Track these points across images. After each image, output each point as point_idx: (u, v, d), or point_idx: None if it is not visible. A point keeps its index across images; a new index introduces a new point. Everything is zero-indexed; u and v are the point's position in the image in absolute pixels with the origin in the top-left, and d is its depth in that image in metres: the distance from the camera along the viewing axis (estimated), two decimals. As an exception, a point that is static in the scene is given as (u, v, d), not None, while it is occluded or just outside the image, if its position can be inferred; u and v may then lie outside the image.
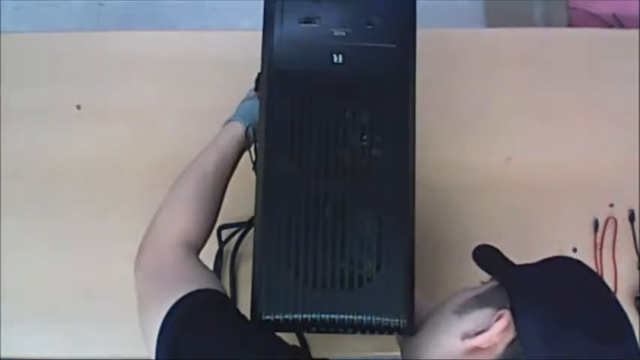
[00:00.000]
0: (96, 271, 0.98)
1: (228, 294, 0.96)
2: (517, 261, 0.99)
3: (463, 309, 0.58)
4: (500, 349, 0.51)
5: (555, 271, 0.60)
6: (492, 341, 0.52)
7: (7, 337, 0.94)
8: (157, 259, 0.67)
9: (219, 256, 0.97)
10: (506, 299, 0.54)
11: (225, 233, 0.97)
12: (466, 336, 0.54)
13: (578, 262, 0.60)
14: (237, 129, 0.80)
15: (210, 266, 0.96)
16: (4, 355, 0.93)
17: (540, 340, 0.49)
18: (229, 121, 0.83)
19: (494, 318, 0.53)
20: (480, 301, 0.57)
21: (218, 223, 0.96)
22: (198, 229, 0.71)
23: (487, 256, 0.65)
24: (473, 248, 0.67)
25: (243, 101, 0.86)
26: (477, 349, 0.53)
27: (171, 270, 0.65)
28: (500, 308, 0.54)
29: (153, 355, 0.56)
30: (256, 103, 0.78)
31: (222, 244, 0.97)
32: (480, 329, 0.54)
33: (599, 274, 0.99)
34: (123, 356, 0.91)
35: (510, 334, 0.51)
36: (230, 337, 0.57)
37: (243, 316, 0.61)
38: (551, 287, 0.55)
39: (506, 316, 0.52)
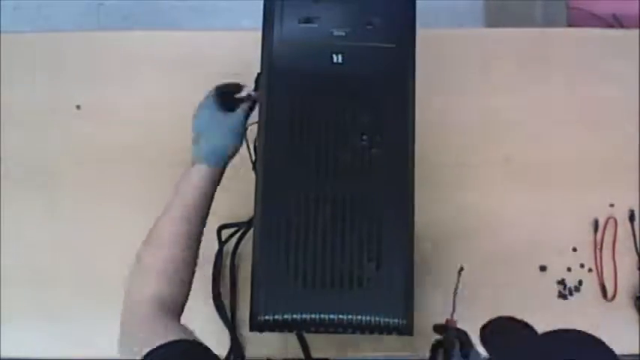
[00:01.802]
0: (96, 271, 0.98)
1: (228, 293, 0.96)
2: (518, 261, 0.99)
3: None
4: None
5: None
6: None
7: (7, 337, 0.94)
8: (133, 321, 0.66)
9: (219, 256, 0.97)
10: None
11: (225, 233, 0.97)
12: None
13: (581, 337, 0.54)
14: (202, 171, 0.73)
15: (210, 266, 0.96)
16: (4, 355, 0.93)
17: None
18: (194, 162, 0.75)
19: None
20: None
21: (218, 224, 0.97)
22: (173, 294, 0.68)
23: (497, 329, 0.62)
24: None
25: (197, 135, 0.76)
26: None
27: (147, 330, 0.63)
28: None
29: None
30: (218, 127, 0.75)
31: (221, 244, 0.97)
32: None
33: (599, 274, 0.99)
34: (123, 356, 0.91)
35: None
36: None
37: None
38: None
39: None
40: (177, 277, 0.69)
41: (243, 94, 0.78)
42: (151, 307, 0.65)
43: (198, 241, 0.73)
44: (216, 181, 0.75)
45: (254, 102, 0.78)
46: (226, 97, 0.78)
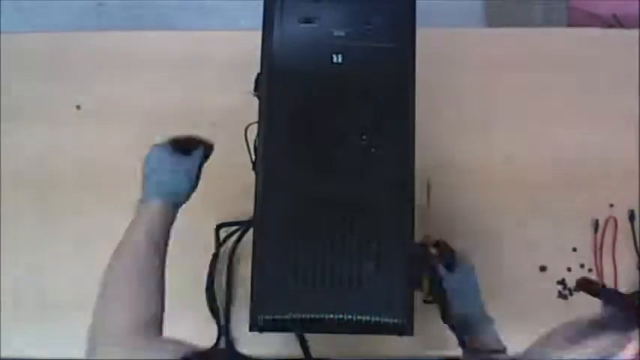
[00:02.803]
0: (96, 271, 0.97)
1: (224, 294, 0.96)
2: (518, 260, 0.99)
3: (578, 338, 0.51)
4: None
5: None
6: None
7: (7, 337, 0.94)
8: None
9: (216, 256, 0.97)
10: (629, 324, 0.48)
11: (223, 234, 0.97)
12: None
13: None
14: (152, 211, 0.72)
15: (205, 267, 0.96)
16: (4, 355, 0.93)
17: None
18: (141, 202, 0.74)
19: (626, 341, 0.47)
20: (598, 326, 0.51)
21: (216, 222, 0.97)
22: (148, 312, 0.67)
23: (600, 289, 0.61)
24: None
25: (148, 173, 0.76)
26: None
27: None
28: (626, 331, 0.48)
29: None
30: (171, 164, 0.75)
31: (218, 243, 0.97)
32: (604, 353, 0.48)
33: (599, 274, 0.99)
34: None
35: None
36: None
37: None
38: None
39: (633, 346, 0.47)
40: (145, 290, 0.68)
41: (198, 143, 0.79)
42: (129, 331, 0.64)
43: (158, 273, 0.71)
44: (166, 219, 0.72)
45: (209, 149, 0.79)
46: (182, 143, 0.79)
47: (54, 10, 1.85)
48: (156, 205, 0.72)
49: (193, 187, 0.76)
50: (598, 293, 0.57)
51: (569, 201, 1.03)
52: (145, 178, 0.75)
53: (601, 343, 0.49)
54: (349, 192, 0.65)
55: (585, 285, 0.59)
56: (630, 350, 0.46)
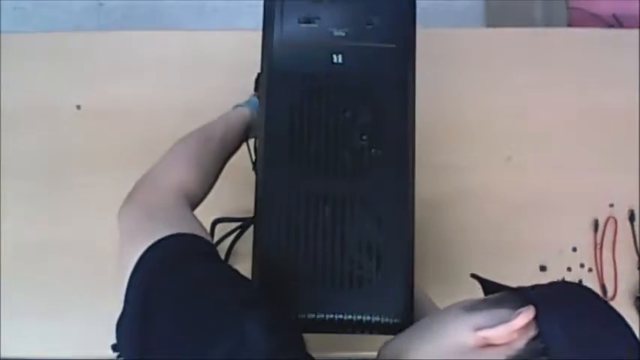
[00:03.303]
0: (96, 271, 0.97)
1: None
2: (518, 260, 0.99)
3: (474, 308, 0.52)
4: (519, 345, 0.46)
5: (568, 289, 0.57)
6: (512, 336, 0.47)
7: (7, 337, 0.94)
8: (154, 198, 0.66)
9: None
10: (522, 303, 0.49)
11: (220, 233, 0.97)
12: (479, 328, 0.48)
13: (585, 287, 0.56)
14: (246, 112, 0.82)
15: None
16: (4, 355, 0.93)
17: (565, 339, 0.46)
18: (238, 106, 0.85)
19: (515, 314, 0.48)
20: (493, 302, 0.53)
21: (213, 217, 0.97)
22: (197, 185, 0.70)
23: (486, 281, 0.63)
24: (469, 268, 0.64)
25: (252, 96, 0.88)
26: (488, 346, 0.48)
27: (166, 209, 0.64)
28: (517, 308, 0.49)
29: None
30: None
31: (215, 242, 0.96)
32: (496, 323, 0.48)
33: (599, 274, 1.00)
34: (123, 356, 0.91)
35: (532, 332, 0.47)
36: (208, 275, 0.53)
37: (229, 266, 0.57)
38: (570, 297, 0.53)
39: (530, 311, 0.47)
40: (204, 167, 0.72)
41: None
42: (175, 193, 0.66)
43: (225, 160, 0.77)
44: (248, 128, 0.81)
45: None
46: None
47: (54, 10, 1.86)
48: (243, 109, 0.83)
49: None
50: (484, 286, 0.60)
51: (569, 201, 1.03)
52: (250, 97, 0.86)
53: (494, 314, 0.50)
54: (349, 192, 0.65)
55: (476, 277, 0.61)
56: (521, 320, 0.47)
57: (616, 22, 1.34)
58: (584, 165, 1.05)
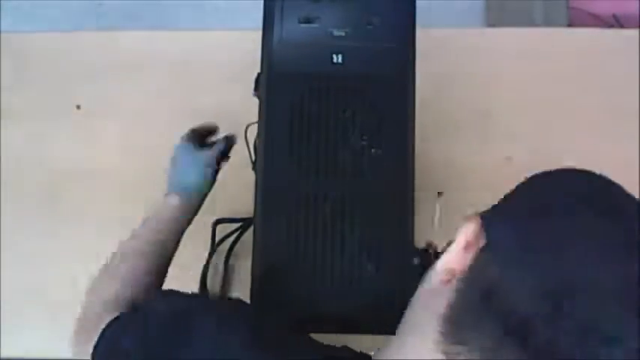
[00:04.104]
0: (96, 271, 0.97)
1: (220, 293, 0.95)
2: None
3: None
4: (468, 260, 0.40)
5: (544, 184, 0.48)
6: (460, 254, 0.41)
7: (7, 337, 0.94)
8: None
9: (212, 255, 0.96)
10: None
11: (221, 234, 0.97)
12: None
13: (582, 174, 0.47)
14: (174, 203, 0.75)
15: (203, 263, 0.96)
16: (4, 355, 0.93)
17: (516, 243, 0.39)
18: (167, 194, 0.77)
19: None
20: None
21: (214, 218, 0.97)
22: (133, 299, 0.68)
23: None
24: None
25: (173, 165, 0.80)
26: (451, 278, 0.41)
27: None
28: None
29: None
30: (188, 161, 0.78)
31: (214, 242, 0.96)
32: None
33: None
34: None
35: (481, 242, 0.41)
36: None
37: None
38: (545, 190, 0.45)
39: (474, 220, 0.42)
40: (142, 282, 0.69)
41: (219, 136, 0.83)
42: (104, 307, 0.66)
43: (164, 263, 0.73)
44: (186, 213, 0.75)
45: (229, 144, 0.82)
46: (202, 137, 0.83)
47: (54, 10, 1.85)
48: (174, 199, 0.75)
49: (212, 180, 0.78)
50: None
51: (569, 201, 1.02)
52: (168, 175, 0.79)
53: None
54: (349, 192, 0.65)
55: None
56: (464, 231, 0.42)
57: (616, 22, 1.34)
58: (584, 165, 1.04)
